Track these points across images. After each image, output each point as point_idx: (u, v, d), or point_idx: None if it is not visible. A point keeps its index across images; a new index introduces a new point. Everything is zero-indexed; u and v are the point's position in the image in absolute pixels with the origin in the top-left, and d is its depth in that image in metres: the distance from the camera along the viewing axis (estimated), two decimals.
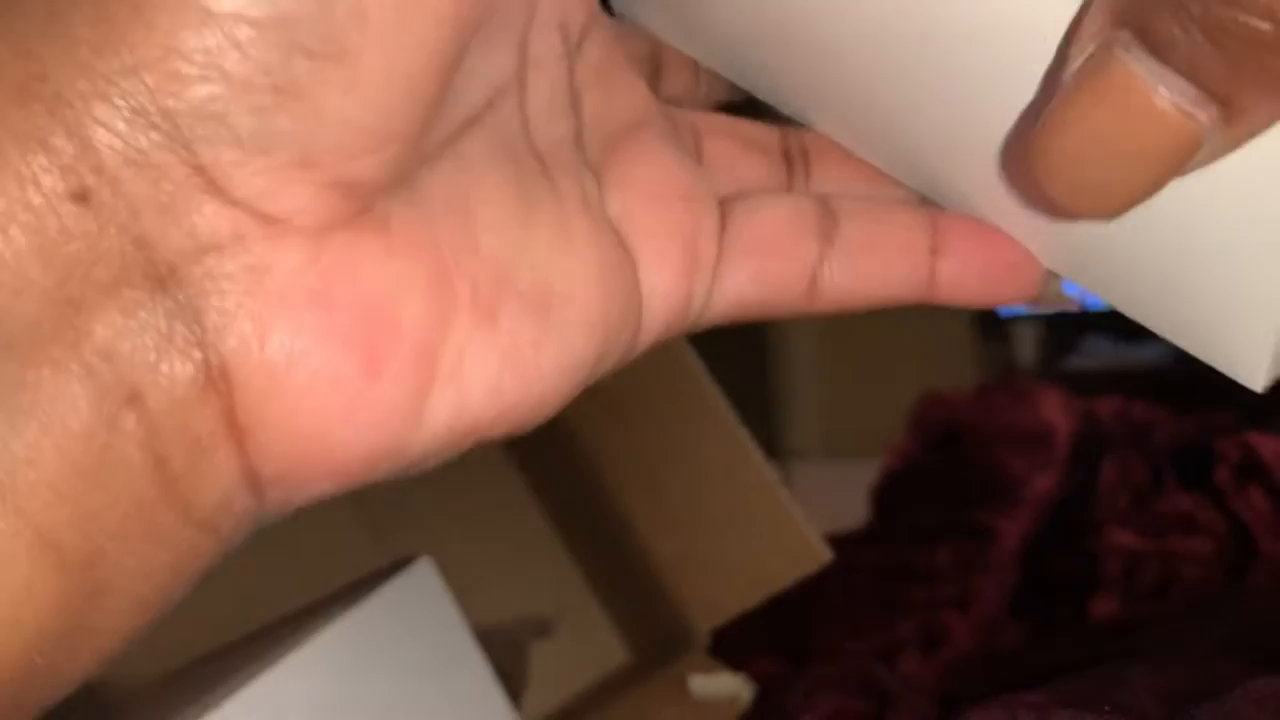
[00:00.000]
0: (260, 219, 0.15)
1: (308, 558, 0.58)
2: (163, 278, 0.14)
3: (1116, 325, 1.73)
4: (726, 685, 0.40)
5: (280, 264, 0.15)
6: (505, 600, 0.59)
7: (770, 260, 0.21)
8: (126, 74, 0.13)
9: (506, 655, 0.53)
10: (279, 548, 0.58)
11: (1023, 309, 1.82)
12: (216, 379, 0.15)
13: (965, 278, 0.22)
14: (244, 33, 0.14)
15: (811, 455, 2.10)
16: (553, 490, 0.60)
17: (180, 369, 0.14)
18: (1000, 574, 0.66)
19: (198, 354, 0.14)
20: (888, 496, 0.76)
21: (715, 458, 0.41)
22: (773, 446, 2.04)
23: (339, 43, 0.14)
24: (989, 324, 1.87)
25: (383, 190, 0.16)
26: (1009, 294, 0.22)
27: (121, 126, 0.14)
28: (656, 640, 0.52)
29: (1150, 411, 0.75)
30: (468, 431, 0.18)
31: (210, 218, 0.14)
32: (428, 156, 0.17)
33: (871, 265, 0.21)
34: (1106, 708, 0.35)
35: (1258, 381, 0.20)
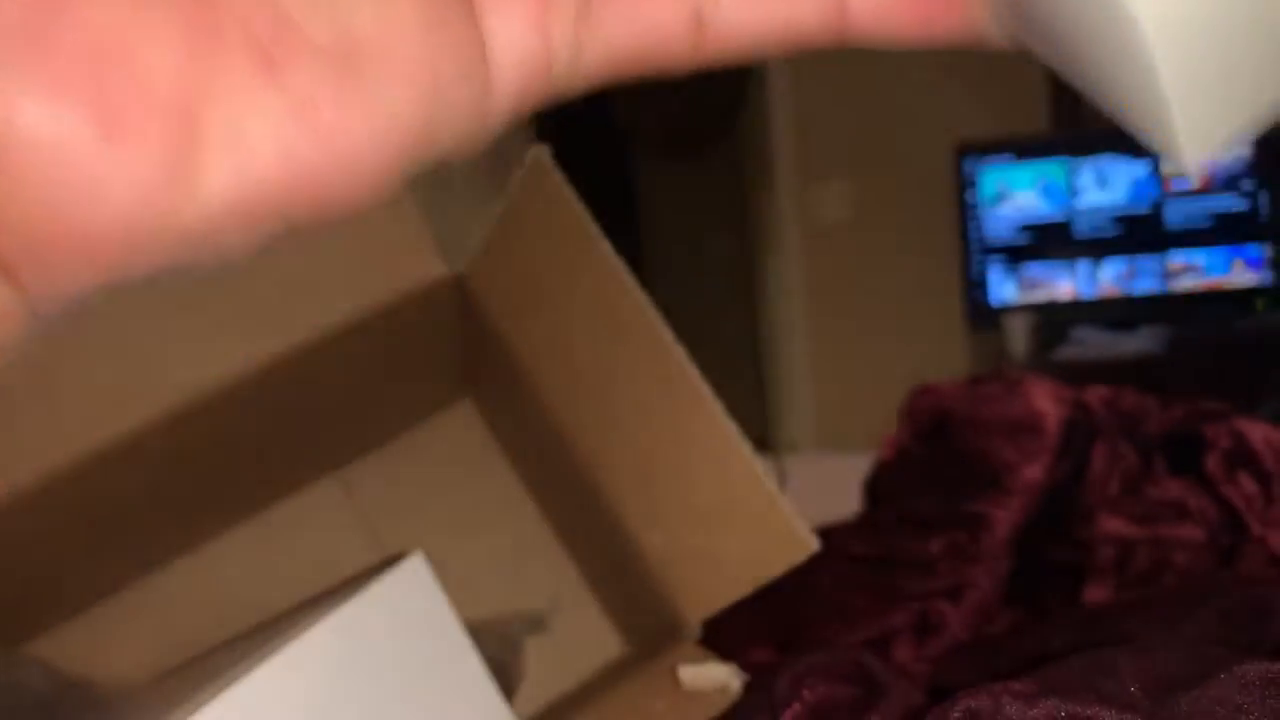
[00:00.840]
0: None
1: (302, 554, 0.58)
2: None
3: (1106, 316, 1.74)
4: (716, 675, 0.40)
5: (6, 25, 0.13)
6: (500, 594, 0.59)
7: None
8: None
9: (502, 649, 0.54)
10: (273, 544, 0.58)
11: (1013, 299, 1.83)
12: None
13: (884, 4, 0.18)
14: None
15: (806, 449, 2.10)
16: (545, 486, 0.60)
17: None
18: (993, 562, 0.67)
19: None
20: (880, 487, 0.76)
21: (704, 451, 0.41)
22: (768, 440, 2.04)
23: None
24: (980, 316, 1.87)
25: None
26: (938, 29, 0.19)
27: None
28: (649, 631, 0.52)
29: (1139, 400, 0.75)
30: (259, 202, 0.15)
31: None
32: None
33: None
34: (1092, 696, 0.36)
35: (1189, 162, 0.19)
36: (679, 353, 0.41)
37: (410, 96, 0.16)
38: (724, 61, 0.18)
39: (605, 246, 0.43)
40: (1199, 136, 0.18)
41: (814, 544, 0.39)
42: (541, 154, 0.45)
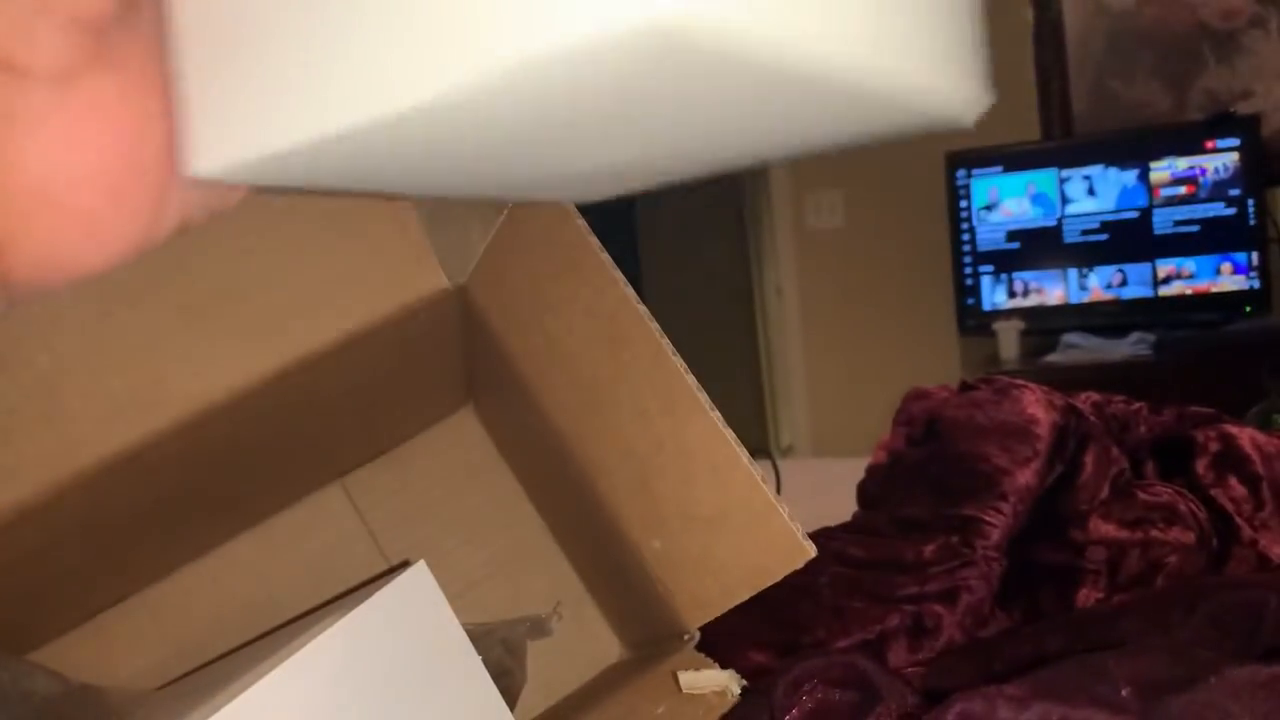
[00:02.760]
0: (8, 69, 0.16)
1: (306, 562, 0.58)
2: None
3: (1096, 322, 1.75)
4: (715, 680, 0.41)
5: (24, 110, 0.16)
6: (502, 600, 0.60)
7: None
8: None
9: (504, 654, 0.54)
10: (278, 552, 0.59)
11: (1003, 304, 1.83)
12: None
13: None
14: None
15: (802, 454, 2.11)
16: (546, 493, 0.61)
17: None
18: (986, 566, 0.67)
19: None
20: (873, 490, 0.76)
21: (703, 459, 0.42)
22: (764, 446, 2.05)
23: None
24: (972, 322, 1.88)
25: (111, 19, 0.17)
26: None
27: None
28: (649, 637, 0.52)
29: (1129, 405, 0.76)
30: (189, 226, 0.19)
31: None
32: None
33: None
34: (1084, 699, 0.36)
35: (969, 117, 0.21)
36: (678, 362, 0.41)
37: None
38: None
39: (604, 257, 0.44)
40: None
41: (811, 551, 0.39)
42: None
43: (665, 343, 0.42)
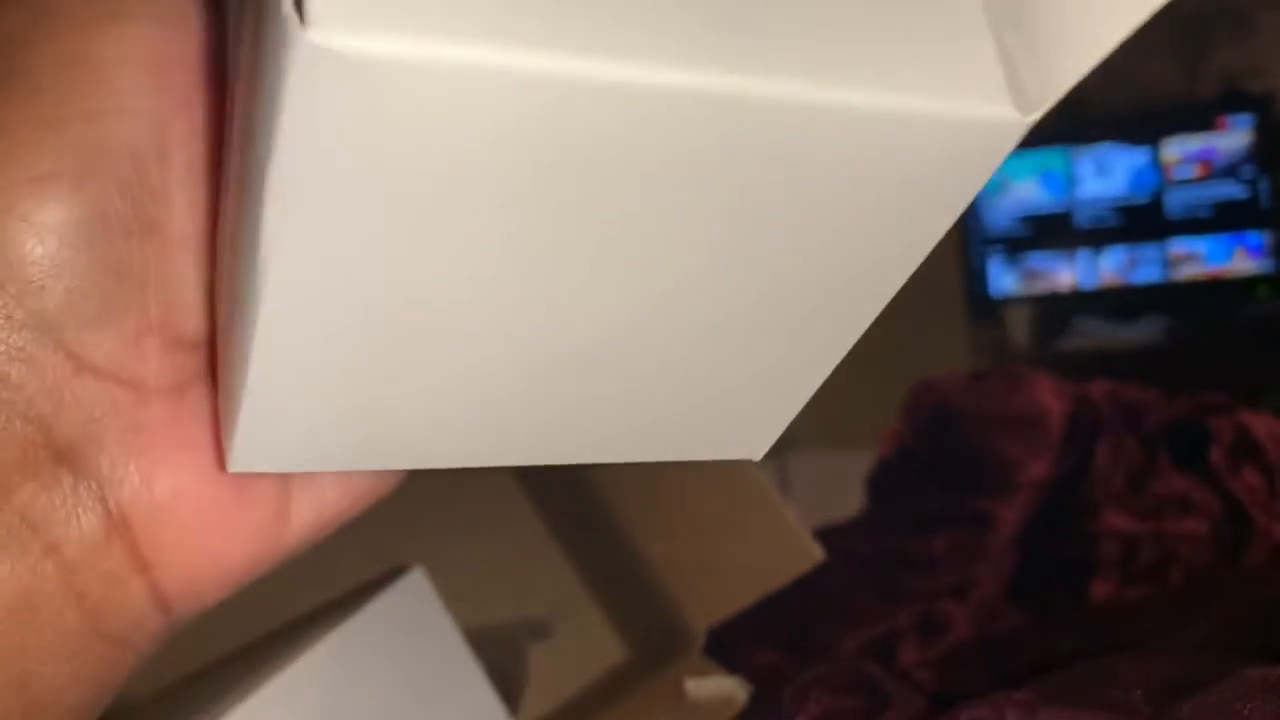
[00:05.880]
0: (126, 386, 0.18)
1: (301, 564, 0.58)
2: (61, 450, 0.17)
3: (1107, 306, 1.73)
4: (722, 687, 0.40)
5: (149, 421, 0.18)
6: (502, 603, 0.59)
7: None
8: None
9: (504, 658, 0.54)
10: None
11: (1014, 289, 1.83)
12: (118, 523, 0.18)
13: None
14: (69, 234, 0.16)
15: (807, 445, 2.10)
16: (548, 494, 0.60)
17: (87, 521, 0.18)
18: (998, 560, 0.66)
19: (99, 507, 0.18)
20: (882, 484, 0.76)
21: (708, 460, 0.41)
22: None
23: (146, 218, 0.17)
24: (980, 307, 1.87)
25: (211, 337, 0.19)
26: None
27: None
28: (653, 642, 0.52)
29: (1142, 393, 0.75)
30: (330, 521, 0.21)
31: (88, 392, 0.17)
32: None
33: None
34: (1094, 703, 0.36)
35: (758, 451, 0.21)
36: None
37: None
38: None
39: None
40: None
41: (819, 554, 0.39)
42: None
43: None
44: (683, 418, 0.20)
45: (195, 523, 0.19)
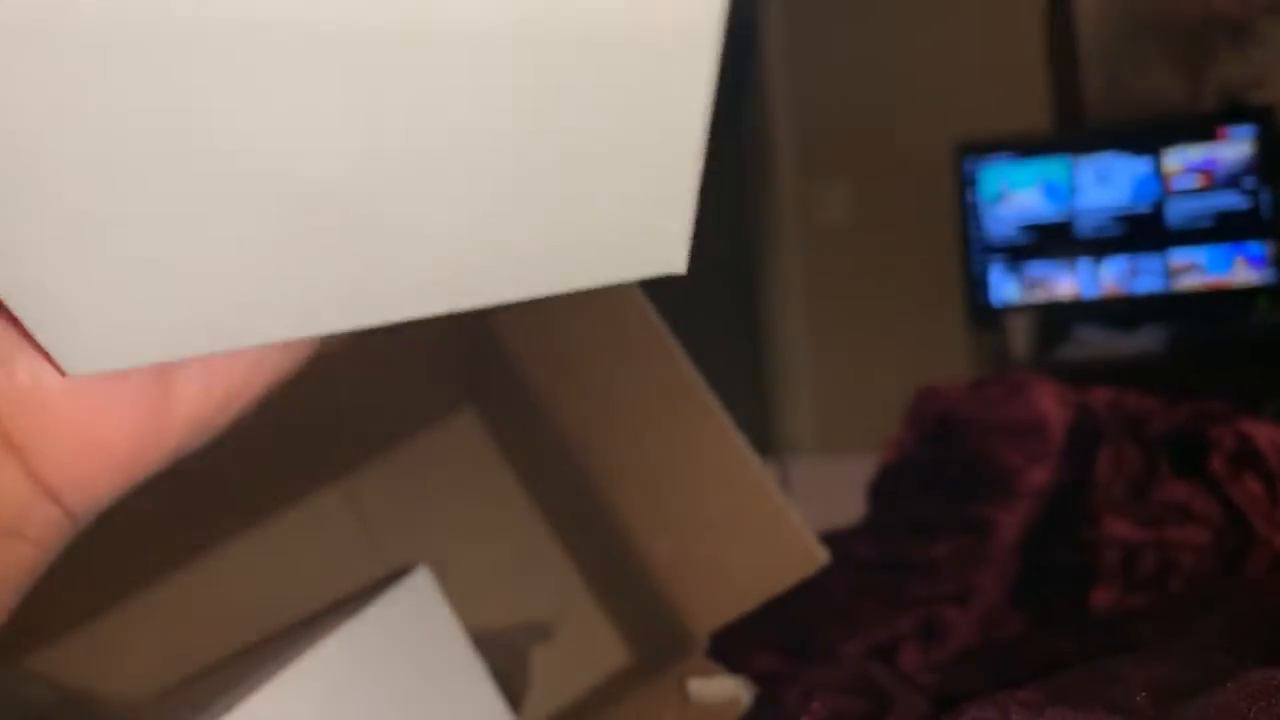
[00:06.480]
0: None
1: (304, 565, 0.58)
2: None
3: (1108, 316, 1.73)
4: (725, 688, 0.40)
5: (4, 322, 0.18)
6: (506, 605, 0.59)
7: None
8: None
9: (508, 659, 0.53)
10: (276, 555, 0.58)
11: (1015, 299, 1.83)
12: None
13: None
14: None
15: (808, 450, 2.10)
16: (551, 496, 0.60)
17: None
18: (999, 566, 0.66)
19: None
20: (885, 490, 0.76)
21: (712, 462, 0.41)
22: (769, 442, 2.04)
23: None
24: (982, 316, 1.87)
25: None
26: None
27: None
28: (656, 643, 0.52)
29: (1143, 401, 0.75)
30: (223, 397, 0.21)
31: None
32: None
33: None
34: (1098, 704, 0.36)
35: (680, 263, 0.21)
36: (686, 364, 0.40)
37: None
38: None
39: None
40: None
41: (824, 557, 0.39)
42: None
43: (675, 345, 0.41)
44: (573, 243, 0.19)
45: (65, 405, 0.19)
